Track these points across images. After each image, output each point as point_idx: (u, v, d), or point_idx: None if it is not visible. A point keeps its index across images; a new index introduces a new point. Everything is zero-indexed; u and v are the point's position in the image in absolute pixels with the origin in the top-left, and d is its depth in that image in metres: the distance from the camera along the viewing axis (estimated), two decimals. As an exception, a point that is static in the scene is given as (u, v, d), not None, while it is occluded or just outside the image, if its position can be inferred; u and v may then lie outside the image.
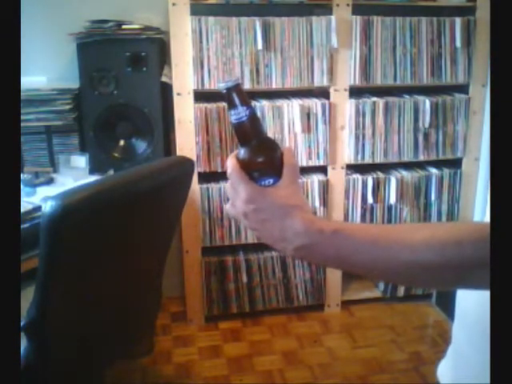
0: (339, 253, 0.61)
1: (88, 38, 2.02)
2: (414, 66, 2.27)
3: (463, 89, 2.39)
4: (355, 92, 2.30)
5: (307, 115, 2.22)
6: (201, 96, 2.18)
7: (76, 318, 1.29)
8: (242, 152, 0.66)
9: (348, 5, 2.15)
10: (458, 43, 2.26)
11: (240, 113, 0.65)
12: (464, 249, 0.55)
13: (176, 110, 2.14)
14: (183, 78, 2.11)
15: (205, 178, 2.25)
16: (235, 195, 0.66)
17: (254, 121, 0.66)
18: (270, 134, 2.20)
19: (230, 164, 0.67)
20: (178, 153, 2.17)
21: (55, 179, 2.03)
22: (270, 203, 0.63)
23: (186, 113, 2.14)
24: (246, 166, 0.65)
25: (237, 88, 0.65)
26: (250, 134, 0.66)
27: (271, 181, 0.65)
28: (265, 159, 0.66)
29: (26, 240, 1.01)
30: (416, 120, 2.32)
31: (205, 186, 2.23)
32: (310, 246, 0.62)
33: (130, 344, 1.64)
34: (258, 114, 2.17)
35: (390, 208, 2.41)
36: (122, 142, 2.17)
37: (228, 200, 0.68)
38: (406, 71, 2.27)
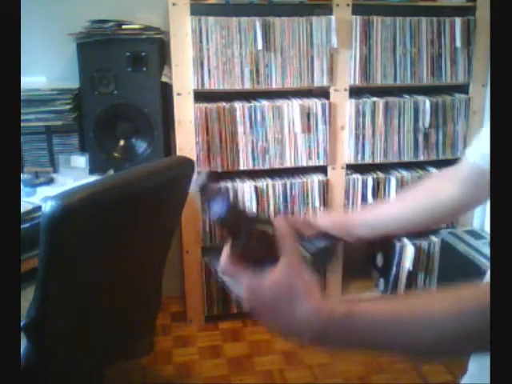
0: (354, 335, 0.57)
1: (88, 38, 2.02)
2: (414, 66, 2.27)
3: (463, 89, 2.39)
4: (355, 92, 2.30)
5: (307, 115, 2.22)
6: (201, 96, 2.18)
7: (76, 318, 1.29)
8: (232, 244, 0.62)
9: (348, 5, 2.15)
10: (458, 43, 2.26)
11: (218, 208, 0.61)
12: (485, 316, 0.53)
13: (176, 110, 2.14)
14: (183, 78, 2.11)
15: (205, 178, 2.24)
16: (238, 290, 0.61)
17: (235, 211, 0.62)
18: (270, 134, 2.20)
19: (222, 259, 0.62)
20: (178, 153, 2.17)
21: (55, 179, 2.03)
22: (272, 294, 0.58)
23: (186, 113, 2.14)
24: (239, 258, 0.61)
25: (208, 184, 0.62)
26: (234, 225, 0.62)
27: (270, 265, 0.59)
28: (257, 248, 0.61)
29: (25, 240, 1.01)
30: (416, 120, 2.32)
31: (205, 186, 2.23)
32: (322, 334, 0.57)
33: (130, 344, 1.64)
34: (259, 114, 2.18)
35: (389, 208, 2.40)
36: (122, 142, 2.17)
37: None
38: (406, 71, 2.27)
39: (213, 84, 2.12)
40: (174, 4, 2.03)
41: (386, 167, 2.41)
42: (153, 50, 2.07)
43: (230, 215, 0.61)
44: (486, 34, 2.29)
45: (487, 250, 2.20)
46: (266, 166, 2.24)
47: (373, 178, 2.35)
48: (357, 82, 2.23)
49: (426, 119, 2.32)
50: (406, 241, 2.49)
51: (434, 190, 0.93)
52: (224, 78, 2.12)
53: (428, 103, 2.30)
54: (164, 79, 2.11)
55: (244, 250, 0.61)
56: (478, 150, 0.86)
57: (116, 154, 2.15)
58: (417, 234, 2.49)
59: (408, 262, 2.47)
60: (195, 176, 0.63)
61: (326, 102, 2.23)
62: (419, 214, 0.92)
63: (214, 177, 0.62)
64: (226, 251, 0.62)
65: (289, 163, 2.26)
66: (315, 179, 2.30)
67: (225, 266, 0.61)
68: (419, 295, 0.61)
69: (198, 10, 2.07)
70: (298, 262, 0.60)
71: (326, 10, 2.17)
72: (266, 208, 2.28)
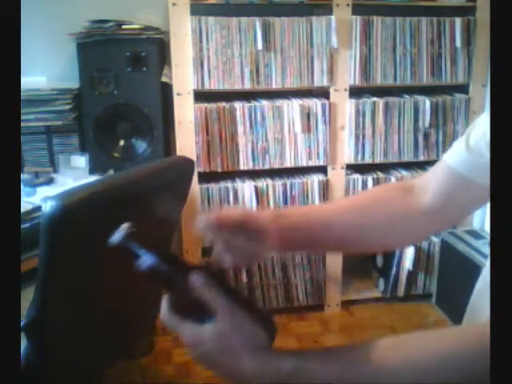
0: None
1: (88, 38, 2.02)
2: (414, 66, 2.27)
3: (463, 89, 2.39)
4: (355, 92, 2.30)
5: (307, 115, 2.22)
6: (201, 96, 2.18)
7: (76, 318, 1.29)
8: (168, 297, 0.61)
9: (348, 5, 2.15)
10: (458, 43, 2.26)
11: (143, 262, 0.59)
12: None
13: (176, 110, 2.14)
14: (183, 78, 2.11)
15: (205, 177, 2.25)
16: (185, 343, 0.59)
17: (164, 263, 0.59)
18: (270, 134, 2.20)
19: (162, 312, 0.61)
20: (178, 153, 2.17)
21: (55, 179, 2.03)
22: (212, 346, 0.57)
23: (186, 113, 2.14)
24: (178, 310, 0.59)
25: (126, 239, 0.60)
26: (166, 278, 0.60)
27: (209, 316, 0.57)
28: (192, 299, 0.58)
29: (25, 240, 1.01)
30: (416, 120, 2.32)
31: (205, 185, 2.23)
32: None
33: (130, 344, 1.64)
34: (259, 114, 2.18)
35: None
36: (122, 142, 2.17)
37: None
38: (406, 71, 2.27)
39: (213, 84, 2.12)
40: (173, 4, 2.03)
41: (385, 167, 2.41)
42: (153, 50, 2.07)
43: (160, 269, 0.59)
44: (486, 34, 2.29)
45: (487, 250, 2.20)
46: (266, 166, 2.24)
47: (373, 178, 2.35)
48: (357, 82, 2.23)
49: (425, 119, 2.32)
50: (405, 241, 2.49)
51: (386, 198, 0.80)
52: (224, 78, 2.12)
53: (428, 103, 2.30)
54: (164, 79, 2.11)
55: (180, 302, 0.59)
56: (459, 154, 0.76)
57: (116, 154, 2.15)
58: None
59: (408, 262, 2.47)
60: (117, 231, 0.62)
61: (326, 102, 2.23)
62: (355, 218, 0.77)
63: (135, 234, 0.60)
64: (164, 303, 0.61)
65: (289, 163, 2.26)
66: (315, 179, 2.30)
67: (165, 318, 0.60)
68: (378, 344, 0.57)
69: (198, 9, 2.07)
70: (234, 317, 0.57)
71: (326, 9, 2.17)
72: (266, 208, 2.28)
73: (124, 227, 0.60)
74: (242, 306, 0.59)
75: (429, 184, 0.79)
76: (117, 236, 0.60)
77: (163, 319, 0.60)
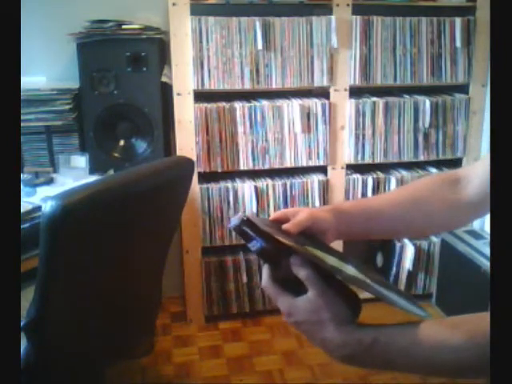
0: (381, 359, 0.64)
1: (88, 38, 2.01)
2: (414, 66, 2.27)
3: (463, 89, 2.39)
4: (355, 92, 2.30)
5: (307, 115, 2.22)
6: (201, 96, 2.18)
7: (76, 318, 1.29)
8: (271, 270, 0.71)
9: (348, 5, 2.15)
10: (458, 43, 2.26)
11: (254, 244, 0.69)
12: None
13: (176, 110, 2.14)
14: (183, 78, 2.11)
15: (205, 177, 2.25)
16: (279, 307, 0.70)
17: (268, 247, 0.69)
18: (270, 134, 2.20)
19: (263, 280, 0.71)
20: (178, 153, 2.17)
21: (55, 179, 2.03)
22: (304, 317, 0.66)
23: (186, 113, 2.14)
24: (277, 282, 0.70)
25: (241, 224, 0.69)
26: (273, 257, 0.70)
27: (303, 291, 0.67)
28: (291, 277, 0.68)
29: (25, 240, 1.01)
30: (416, 120, 2.32)
31: (205, 185, 2.23)
32: (351, 357, 0.64)
33: (130, 344, 1.64)
34: (259, 114, 2.18)
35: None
36: (122, 142, 2.16)
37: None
38: (406, 71, 2.27)
39: (213, 84, 2.12)
40: (174, 4, 2.03)
41: (386, 167, 2.41)
42: (153, 50, 2.07)
43: (268, 249, 0.69)
44: (486, 34, 2.29)
45: (487, 250, 2.20)
46: (266, 166, 2.24)
47: (373, 178, 2.35)
48: (357, 82, 2.23)
49: (426, 119, 2.32)
50: (406, 241, 2.49)
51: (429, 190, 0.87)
52: (224, 78, 2.12)
53: (428, 103, 2.30)
54: (164, 79, 2.11)
55: (280, 277, 0.70)
56: None
57: (116, 154, 2.15)
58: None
59: (408, 262, 2.47)
60: (233, 218, 0.70)
61: (326, 102, 2.23)
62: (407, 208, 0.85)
63: (248, 220, 0.69)
64: (265, 273, 0.70)
65: (289, 163, 2.26)
66: (315, 179, 2.30)
67: (266, 286, 0.70)
68: (438, 323, 0.65)
69: (198, 9, 2.07)
70: (327, 293, 0.66)
71: (326, 10, 2.17)
72: (266, 208, 2.28)
73: (240, 215, 0.70)
74: (332, 285, 0.67)
75: (474, 176, 0.85)
76: (233, 221, 0.69)
77: (264, 287, 0.70)
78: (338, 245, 2.41)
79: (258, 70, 2.14)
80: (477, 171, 0.85)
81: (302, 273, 0.66)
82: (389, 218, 0.84)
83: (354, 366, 0.66)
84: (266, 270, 0.71)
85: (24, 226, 1.48)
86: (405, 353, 0.62)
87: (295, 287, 0.68)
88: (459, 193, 0.85)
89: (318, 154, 2.27)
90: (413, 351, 0.62)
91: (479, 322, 0.60)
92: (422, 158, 2.37)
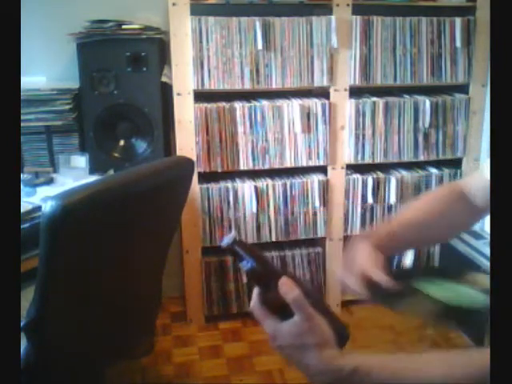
0: None
1: (88, 38, 2.01)
2: (414, 66, 2.27)
3: (463, 89, 2.39)
4: (355, 92, 2.30)
5: (307, 115, 2.22)
6: (201, 96, 2.18)
7: (76, 318, 1.29)
8: (260, 293, 0.72)
9: (348, 5, 2.15)
10: (458, 43, 2.26)
11: (244, 264, 0.71)
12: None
13: (176, 110, 2.14)
14: (183, 78, 2.11)
15: (205, 177, 2.25)
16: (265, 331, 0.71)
17: (258, 268, 0.71)
18: (270, 134, 2.20)
19: (251, 302, 0.72)
20: (178, 153, 2.17)
21: (55, 179, 2.03)
22: (288, 341, 0.67)
23: (186, 113, 2.14)
24: (266, 305, 0.70)
25: (233, 244, 0.72)
26: (262, 279, 0.72)
27: (290, 315, 0.68)
28: (279, 300, 0.68)
29: (25, 240, 1.01)
30: (416, 120, 2.32)
31: (205, 185, 2.23)
32: (333, 383, 0.65)
33: (130, 344, 1.64)
34: (259, 114, 2.18)
35: (390, 208, 2.41)
36: (122, 142, 2.16)
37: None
38: (406, 71, 2.26)
39: (213, 84, 2.12)
40: (174, 4, 2.03)
41: (386, 167, 2.41)
42: (153, 50, 2.07)
43: (258, 270, 0.71)
44: (486, 34, 2.29)
45: (487, 250, 2.20)
46: (266, 166, 2.24)
47: (373, 178, 2.35)
48: (357, 82, 2.23)
49: (426, 119, 2.32)
50: (406, 241, 2.49)
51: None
52: (224, 78, 2.12)
53: (428, 103, 2.30)
54: (164, 79, 2.11)
55: (269, 300, 0.70)
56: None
57: (116, 154, 2.15)
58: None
59: (408, 262, 2.47)
60: (226, 236, 0.74)
61: (326, 102, 2.23)
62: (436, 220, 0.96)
63: (240, 240, 0.72)
64: (254, 295, 0.72)
65: (289, 163, 2.26)
66: (315, 179, 2.30)
67: (254, 309, 0.71)
68: (421, 356, 0.66)
69: (198, 9, 2.07)
70: (314, 318, 0.67)
71: (326, 10, 2.17)
72: (266, 208, 2.28)
73: (232, 234, 0.72)
74: (319, 311, 0.68)
75: (477, 189, 0.95)
76: (226, 240, 0.72)
77: (252, 310, 0.71)
78: (338, 245, 2.41)
79: (258, 70, 2.14)
80: (476, 184, 0.95)
81: (289, 296, 0.67)
82: (419, 236, 0.96)
83: None
84: (255, 292, 0.71)
85: (24, 226, 1.48)
86: (390, 379, 0.63)
87: (283, 311, 0.67)
88: (471, 206, 0.95)
89: (317, 153, 2.27)
90: (399, 379, 0.63)
91: (460, 358, 0.63)
92: (421, 158, 2.37)
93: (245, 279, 2.35)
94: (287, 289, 0.67)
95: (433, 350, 0.68)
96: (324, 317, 0.68)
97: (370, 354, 0.66)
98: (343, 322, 0.71)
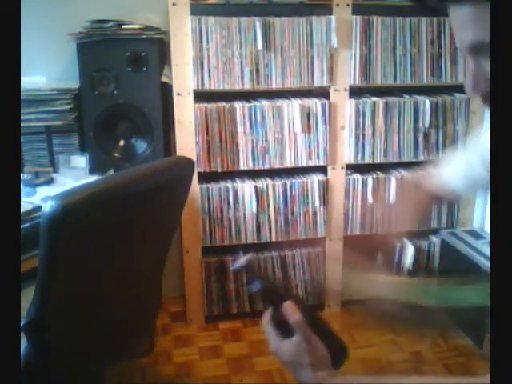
0: None
1: (88, 38, 2.02)
2: (414, 66, 2.27)
3: (463, 89, 2.38)
4: (355, 92, 2.30)
5: (307, 115, 2.22)
6: (201, 96, 2.18)
7: (76, 318, 1.29)
8: (271, 312, 0.80)
9: (348, 5, 2.15)
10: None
11: (254, 286, 0.78)
12: None
13: (176, 110, 2.14)
14: (183, 78, 2.11)
15: (205, 177, 2.25)
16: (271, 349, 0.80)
17: (268, 290, 0.80)
18: (270, 134, 2.20)
19: (263, 319, 0.80)
20: (178, 153, 2.17)
21: (55, 179, 2.03)
22: (287, 358, 0.77)
23: (186, 113, 2.14)
24: (274, 323, 0.79)
25: (245, 268, 0.80)
26: (272, 300, 0.80)
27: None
28: (282, 319, 0.77)
29: (26, 240, 1.00)
30: (416, 120, 2.32)
31: (205, 185, 2.23)
32: None
33: (130, 344, 1.64)
34: (259, 114, 2.18)
35: (390, 208, 2.41)
36: (122, 142, 2.17)
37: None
38: (406, 71, 2.27)
39: (213, 84, 2.12)
40: (174, 4, 2.03)
41: (385, 167, 2.41)
42: (153, 50, 2.07)
43: (265, 292, 0.79)
44: (485, 34, 2.29)
45: (487, 250, 2.20)
46: (266, 166, 2.24)
47: (373, 178, 2.35)
48: (357, 82, 2.23)
49: (426, 119, 2.32)
50: (405, 241, 2.49)
51: None
52: (224, 78, 2.12)
53: (428, 103, 2.30)
54: (164, 79, 2.11)
55: (276, 319, 0.78)
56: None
57: (116, 154, 2.15)
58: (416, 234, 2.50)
59: (408, 262, 2.47)
60: (240, 257, 0.82)
61: (326, 102, 2.23)
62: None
63: (253, 263, 0.79)
64: (265, 316, 0.80)
65: (289, 163, 2.26)
66: (315, 179, 2.30)
67: (263, 326, 0.79)
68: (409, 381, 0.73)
69: (198, 9, 2.07)
70: (309, 339, 0.75)
71: (326, 10, 2.17)
72: (266, 208, 2.28)
73: (247, 257, 0.80)
74: (319, 333, 0.76)
75: (456, 179, 1.08)
76: (239, 262, 0.79)
77: (262, 326, 0.80)
78: (338, 245, 2.41)
79: (258, 70, 2.14)
80: (455, 175, 1.06)
81: (292, 318, 0.75)
82: None
83: None
84: (267, 314, 0.80)
85: (24, 226, 1.48)
86: None
87: (287, 329, 0.76)
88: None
89: (317, 154, 2.27)
90: None
91: None
92: (422, 158, 2.37)
93: (245, 278, 2.35)
94: (290, 312, 0.76)
95: (425, 376, 0.73)
96: (323, 338, 0.76)
97: (361, 376, 0.76)
98: (343, 342, 0.79)
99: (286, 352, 0.76)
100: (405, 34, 2.22)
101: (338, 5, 2.14)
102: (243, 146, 2.20)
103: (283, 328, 0.77)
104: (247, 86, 2.14)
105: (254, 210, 2.26)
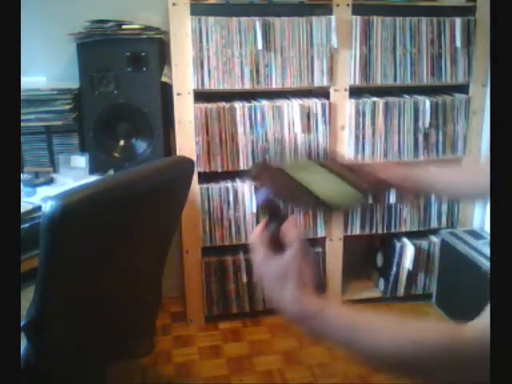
0: (321, 331, 0.67)
1: (88, 38, 2.01)
2: (414, 66, 2.27)
3: (463, 89, 2.39)
4: (355, 92, 2.30)
5: (307, 115, 2.22)
6: (201, 96, 2.18)
7: (76, 318, 1.29)
8: (265, 224, 0.76)
9: (348, 5, 2.15)
10: (458, 43, 2.26)
11: (259, 195, 0.77)
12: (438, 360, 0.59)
13: (176, 110, 2.14)
14: (183, 78, 2.11)
15: (205, 177, 2.25)
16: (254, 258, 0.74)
17: (272, 203, 0.76)
18: (270, 134, 2.20)
19: (254, 231, 0.75)
20: (178, 153, 2.17)
21: (55, 179, 2.03)
22: (273, 273, 0.70)
23: (186, 113, 2.14)
24: (265, 236, 0.74)
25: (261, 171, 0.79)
26: (271, 212, 0.76)
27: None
28: (278, 234, 0.73)
29: (26, 240, 1.01)
30: (416, 120, 2.32)
31: (205, 185, 2.23)
32: (299, 321, 0.67)
33: (130, 344, 1.64)
34: (259, 114, 2.18)
35: (389, 208, 2.41)
36: (122, 142, 2.16)
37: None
38: (406, 71, 2.26)
39: (213, 84, 2.12)
40: (174, 4, 2.03)
41: (385, 167, 2.41)
42: (153, 50, 2.07)
43: (273, 205, 0.75)
44: (486, 34, 2.29)
45: (487, 250, 2.20)
46: (266, 166, 2.24)
47: (373, 178, 2.34)
48: (357, 82, 2.23)
49: (426, 119, 2.32)
50: (405, 241, 2.49)
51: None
52: (224, 78, 2.12)
53: (428, 103, 2.30)
54: (164, 79, 2.11)
55: (270, 232, 0.74)
56: None
57: (116, 154, 2.15)
58: (417, 233, 2.50)
59: (408, 262, 2.47)
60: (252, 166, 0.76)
61: (326, 101, 2.23)
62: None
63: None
64: (259, 226, 0.75)
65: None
66: (315, 179, 2.30)
67: (253, 236, 0.74)
68: (381, 316, 0.69)
69: (198, 9, 2.07)
70: (300, 258, 0.70)
71: (326, 10, 2.17)
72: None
73: (256, 165, 0.79)
74: (311, 256, 0.73)
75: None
76: (252, 169, 0.78)
77: (252, 240, 0.74)
78: (338, 245, 2.41)
79: (258, 70, 2.14)
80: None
81: (292, 232, 0.71)
82: (438, 186, 1.06)
83: (303, 331, 0.69)
84: (261, 223, 0.75)
85: (24, 225, 1.48)
86: (344, 329, 0.65)
87: (277, 247, 0.71)
88: None
89: (317, 154, 2.27)
90: (352, 330, 0.65)
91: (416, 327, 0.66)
92: (421, 158, 2.37)
93: (245, 278, 2.35)
94: (291, 226, 0.72)
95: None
96: (314, 262, 0.74)
97: (343, 304, 0.69)
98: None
99: (273, 266, 0.70)
100: (405, 34, 2.22)
101: (338, 5, 2.14)
102: (243, 146, 2.20)
103: (274, 244, 0.72)
104: (247, 86, 2.14)
105: (254, 210, 2.26)
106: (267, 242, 0.72)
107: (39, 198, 1.73)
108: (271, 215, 0.75)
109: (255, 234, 0.74)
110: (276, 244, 0.72)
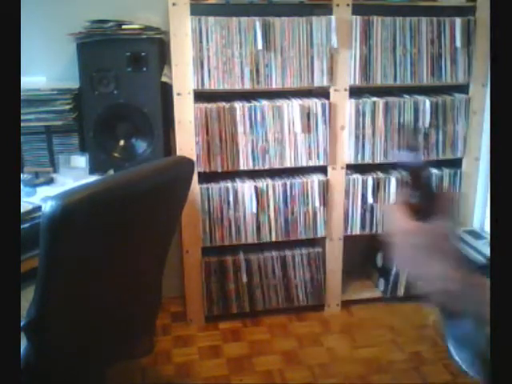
0: (464, 300, 0.64)
1: (88, 38, 2.01)
2: (414, 66, 2.27)
3: (463, 89, 2.39)
4: (355, 92, 2.30)
5: (307, 115, 2.22)
6: (201, 96, 2.18)
7: (76, 318, 1.29)
8: (408, 192, 0.71)
9: (348, 5, 2.15)
10: (458, 43, 2.26)
11: (416, 156, 0.72)
12: None
13: (176, 110, 2.14)
14: (183, 78, 2.11)
15: (205, 178, 2.25)
16: (395, 229, 0.69)
17: (426, 173, 0.72)
18: (270, 134, 2.20)
19: (397, 199, 0.75)
20: (178, 153, 2.17)
21: (55, 179, 2.03)
22: (424, 240, 0.66)
23: (186, 113, 2.14)
24: (407, 204, 0.70)
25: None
26: (418, 181, 0.71)
27: (425, 221, 0.68)
28: (424, 205, 0.69)
29: (25, 240, 1.01)
30: (416, 120, 2.32)
31: (205, 185, 2.23)
32: (451, 292, 0.65)
33: (130, 344, 1.64)
34: (259, 114, 2.18)
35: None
36: (122, 142, 2.16)
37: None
38: (406, 71, 2.27)
39: (213, 84, 2.12)
40: (174, 4, 2.03)
41: (385, 167, 2.41)
42: (153, 50, 2.07)
43: (420, 170, 0.71)
44: (485, 34, 2.29)
45: (487, 250, 2.20)
46: (266, 166, 2.24)
47: (373, 178, 2.35)
48: (357, 82, 2.23)
49: (426, 119, 2.32)
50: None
51: None
52: (224, 78, 2.12)
53: (428, 103, 2.30)
54: (164, 79, 2.11)
55: (414, 201, 0.70)
56: None
57: (116, 154, 2.15)
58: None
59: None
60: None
61: (326, 101, 2.23)
62: None
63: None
64: (400, 194, 0.73)
65: (289, 163, 2.26)
66: (315, 179, 2.30)
67: (397, 204, 0.70)
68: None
69: (198, 9, 2.07)
70: (450, 231, 0.67)
71: (326, 10, 2.17)
72: (266, 208, 2.28)
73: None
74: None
75: None
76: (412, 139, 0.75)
77: (394, 205, 0.70)
78: (338, 245, 2.41)
79: (258, 70, 2.14)
80: None
81: (445, 205, 0.67)
82: None
83: (447, 304, 0.67)
84: (401, 193, 0.73)
85: (24, 225, 1.48)
86: (478, 298, 0.63)
87: (421, 215, 0.68)
88: None
89: (317, 154, 2.27)
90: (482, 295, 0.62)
91: None
92: (421, 158, 2.37)
93: (245, 278, 2.35)
94: (450, 196, 0.69)
95: None
96: None
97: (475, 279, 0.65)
98: None
99: (429, 231, 0.65)
100: (405, 34, 2.22)
101: (338, 5, 2.14)
102: (243, 146, 2.20)
103: (417, 211, 0.68)
104: (247, 86, 2.14)
105: (254, 210, 2.26)
106: (411, 210, 0.68)
107: (39, 198, 1.73)
108: (415, 184, 0.71)
109: (398, 200, 0.70)
110: (419, 210, 0.69)
